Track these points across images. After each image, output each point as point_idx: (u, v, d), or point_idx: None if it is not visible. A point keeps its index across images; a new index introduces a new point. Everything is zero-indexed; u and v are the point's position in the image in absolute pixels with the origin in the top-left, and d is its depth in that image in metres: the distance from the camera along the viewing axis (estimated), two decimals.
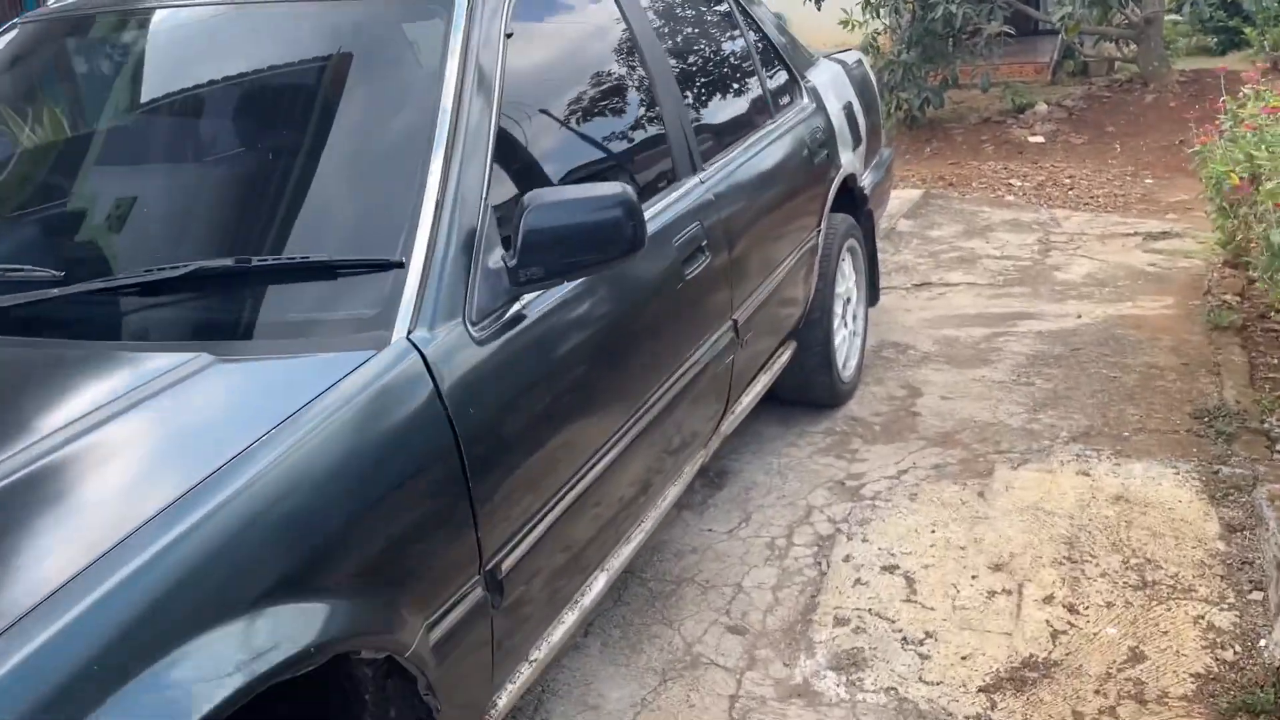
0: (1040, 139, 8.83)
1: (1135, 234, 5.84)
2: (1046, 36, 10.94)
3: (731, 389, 2.80)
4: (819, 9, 9.10)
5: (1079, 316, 4.51)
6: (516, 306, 1.81)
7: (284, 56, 2.04)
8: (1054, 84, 10.91)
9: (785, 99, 3.38)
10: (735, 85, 3.09)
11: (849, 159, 3.72)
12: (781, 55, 3.44)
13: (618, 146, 2.43)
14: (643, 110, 2.52)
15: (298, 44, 2.06)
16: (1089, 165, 7.95)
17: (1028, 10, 9.81)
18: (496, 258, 1.77)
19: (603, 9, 2.54)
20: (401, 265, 1.68)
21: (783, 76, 3.43)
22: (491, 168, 1.85)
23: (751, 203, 2.84)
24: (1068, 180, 7.49)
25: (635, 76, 2.53)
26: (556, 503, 1.86)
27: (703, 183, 2.60)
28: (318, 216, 1.80)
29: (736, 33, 3.20)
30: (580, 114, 2.33)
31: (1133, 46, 9.37)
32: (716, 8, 3.19)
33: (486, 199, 1.81)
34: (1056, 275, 5.17)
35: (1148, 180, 7.45)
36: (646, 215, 2.17)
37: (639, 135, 2.51)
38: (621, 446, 2.10)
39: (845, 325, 3.80)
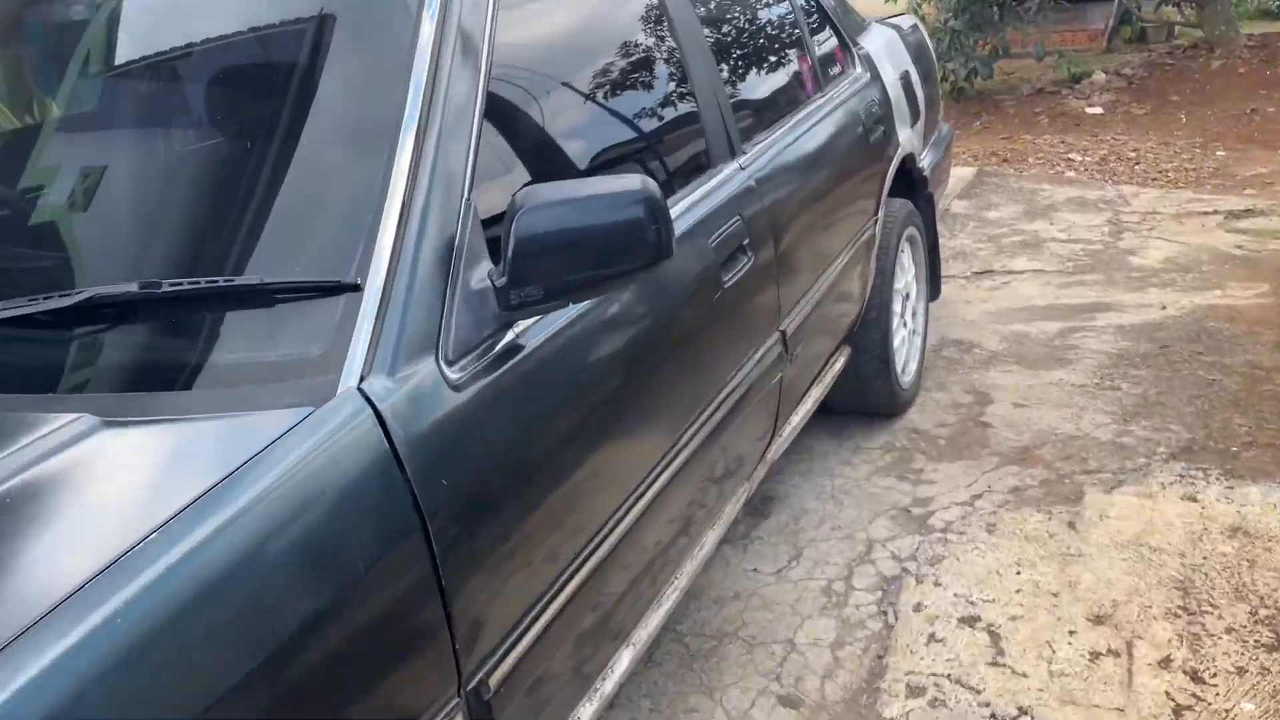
0: (1099, 110, 8.29)
1: (1214, 212, 5.32)
2: (1100, 2, 10.33)
3: (780, 411, 2.38)
4: None
5: (1163, 308, 4.03)
6: (509, 336, 1.40)
7: (213, 18, 1.62)
8: (1110, 52, 10.32)
9: (836, 69, 2.94)
10: (779, 54, 2.66)
11: (907, 136, 3.27)
12: (831, 18, 2.99)
13: (639, 128, 2.00)
14: (671, 85, 2.09)
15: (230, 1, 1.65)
16: (1153, 137, 7.40)
17: None
18: (482, 275, 1.36)
19: None
20: (356, 288, 1.27)
21: (832, 43, 2.99)
22: (476, 157, 1.44)
23: (801, 190, 2.41)
24: (1132, 154, 6.96)
25: (661, 44, 2.10)
26: (562, 587, 1.45)
27: (743, 168, 2.17)
28: (251, 224, 1.40)
29: (791, 13, 2.77)
30: (593, 88, 1.91)
31: (1194, 10, 8.78)
32: None
33: (469, 197, 1.40)
34: (1131, 260, 4.68)
35: (1219, 153, 6.89)
36: (675, 212, 1.77)
37: (667, 114, 2.08)
38: (647, 500, 1.69)
39: (904, 324, 3.36)
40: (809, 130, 2.55)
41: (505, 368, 1.37)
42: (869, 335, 3.05)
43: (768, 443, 2.37)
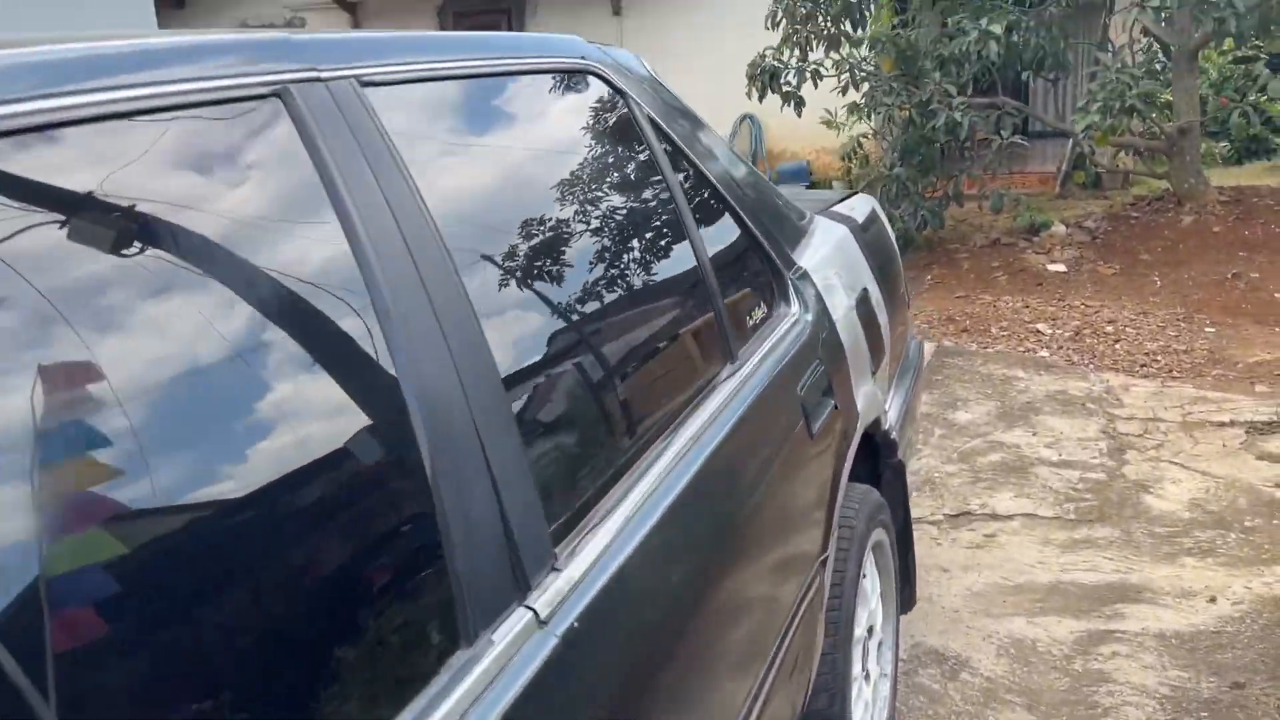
0: (1062, 267, 7.40)
1: (1231, 423, 4.31)
2: (1051, 140, 9.59)
3: None
4: (799, 115, 7.72)
5: (1212, 599, 2.93)
6: None
7: None
8: (1063, 197, 9.57)
9: (759, 312, 1.81)
10: (656, 327, 1.52)
11: (869, 393, 2.16)
12: (752, 228, 1.88)
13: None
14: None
15: None
16: (1129, 305, 6.49)
17: (1039, 115, 8.50)
18: None
19: None
20: None
21: (757, 272, 1.88)
22: None
23: (672, 615, 1.24)
24: (1109, 327, 6.01)
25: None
26: None
27: (558, 572, 1.01)
28: None
29: (668, 215, 1.64)
30: None
31: (1157, 160, 8.04)
32: (636, 159, 1.64)
33: None
34: (1148, 502, 3.61)
35: (1208, 328, 5.98)
36: None
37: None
38: None
39: (867, 678, 2.19)
40: (698, 463, 1.39)
41: None
42: None
43: None
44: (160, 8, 13.19)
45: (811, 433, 1.74)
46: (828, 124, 8.09)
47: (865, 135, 7.97)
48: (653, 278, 1.53)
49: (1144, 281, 7.00)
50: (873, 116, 7.44)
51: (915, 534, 3.32)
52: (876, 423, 2.24)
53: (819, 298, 2.00)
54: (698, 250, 1.62)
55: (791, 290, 1.92)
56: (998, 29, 6.72)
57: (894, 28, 7.69)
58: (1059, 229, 7.95)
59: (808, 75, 7.49)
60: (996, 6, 7.27)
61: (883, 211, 2.87)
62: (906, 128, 7.49)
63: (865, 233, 2.52)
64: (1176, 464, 3.93)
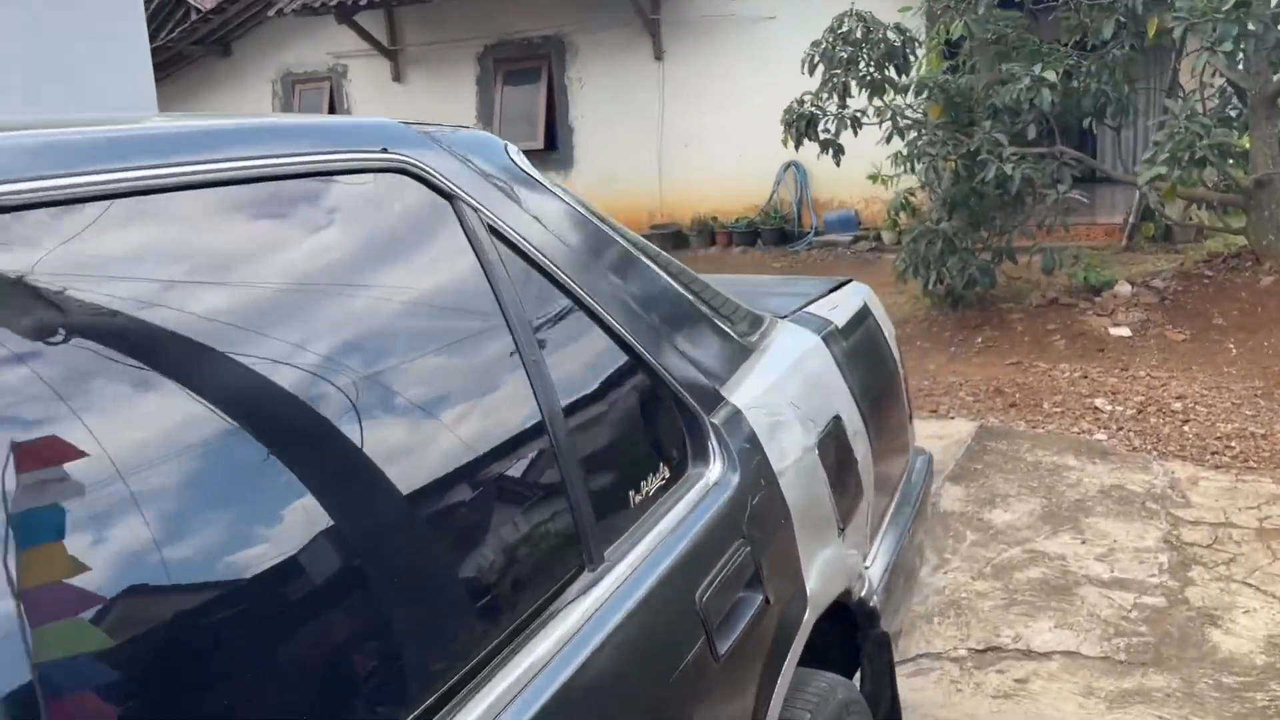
0: (1126, 331, 6.78)
1: None
2: (1120, 189, 8.94)
3: None
4: (838, 164, 7.25)
5: None
6: None
7: None
8: (1130, 250, 8.93)
9: (650, 483, 1.34)
10: (454, 532, 1.06)
11: (830, 562, 1.67)
12: (659, 375, 1.41)
13: None
14: None
15: None
16: (1200, 377, 5.87)
17: (1100, 166, 7.91)
18: None
19: None
20: None
21: (654, 424, 1.42)
22: None
23: None
24: (1176, 404, 5.40)
25: None
26: None
27: None
28: None
29: (501, 363, 1.19)
30: None
31: (1233, 214, 7.40)
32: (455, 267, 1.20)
33: None
34: (1214, 637, 3.03)
35: None
36: None
37: None
38: None
39: None
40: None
41: None
42: None
43: None
44: (206, 57, 13.27)
45: (717, 654, 1.27)
46: (873, 178, 7.58)
47: (912, 191, 7.44)
48: (458, 459, 1.08)
49: (1218, 349, 6.36)
50: (916, 167, 6.91)
51: (933, 674, 2.82)
52: (848, 593, 1.75)
53: (755, 446, 1.53)
54: (544, 408, 1.16)
55: (711, 442, 1.45)
56: (1052, 75, 6.19)
57: (944, 73, 7.20)
58: (1123, 288, 7.33)
59: (847, 122, 7.02)
60: (1054, 50, 6.75)
61: (877, 302, 2.38)
62: (955, 180, 6.98)
63: (847, 339, 2.04)
64: (1251, 586, 3.34)
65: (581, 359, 1.31)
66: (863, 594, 1.82)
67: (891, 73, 7.12)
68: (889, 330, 2.34)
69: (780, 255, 10.29)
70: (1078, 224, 8.55)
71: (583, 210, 1.45)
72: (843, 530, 1.75)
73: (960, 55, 7.34)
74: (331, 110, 12.62)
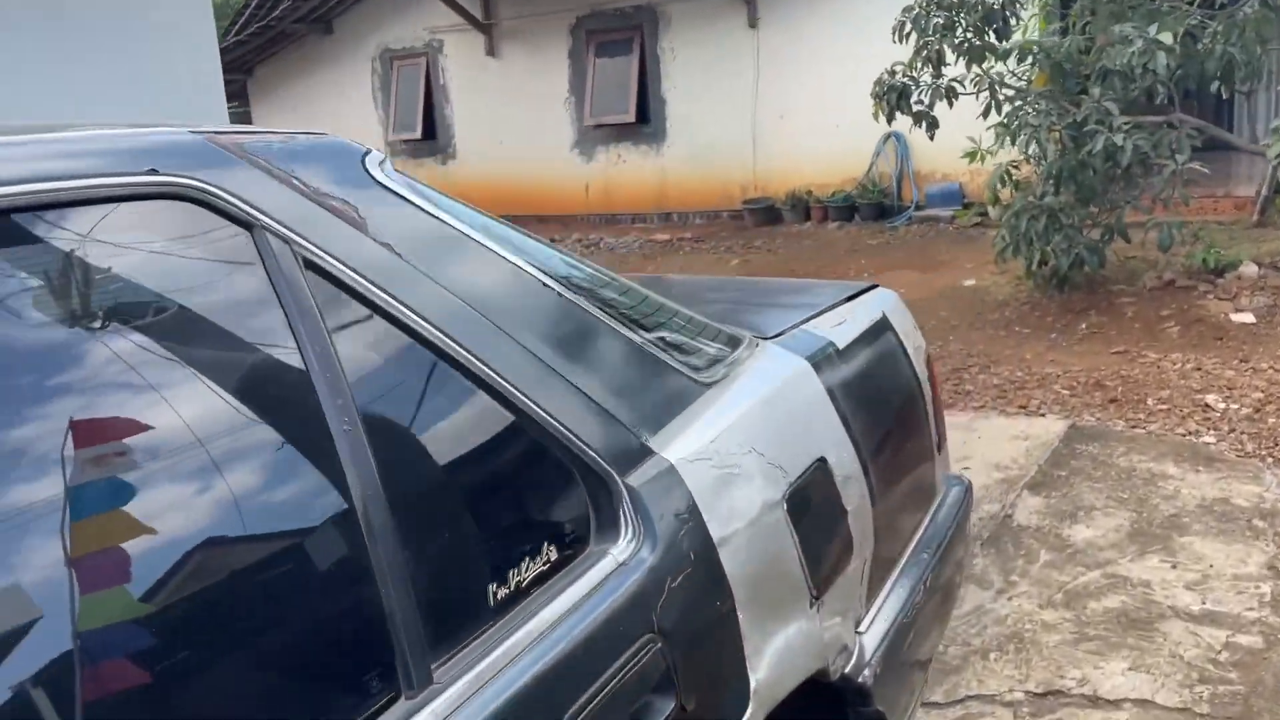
0: (1249, 318, 6.18)
1: None
2: (1248, 157, 8.22)
3: None
4: (931, 139, 6.80)
5: None
6: None
7: None
8: (1262, 225, 8.18)
9: (523, 570, 1.10)
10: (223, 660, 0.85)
11: (795, 639, 1.41)
12: (552, 429, 1.17)
13: None
14: None
15: None
16: None
17: (1223, 135, 7.23)
18: None
19: None
20: None
21: (535, 493, 1.18)
22: None
23: None
24: None
25: None
26: None
27: None
28: None
29: (306, 435, 0.96)
30: None
31: None
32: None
33: None
34: None
35: None
36: None
37: None
38: None
39: None
40: None
41: None
42: None
43: None
44: (309, 36, 13.39)
45: None
46: (971, 156, 7.08)
47: (1014, 165, 6.92)
48: (241, 561, 0.86)
49: None
50: (1019, 139, 6.41)
51: (983, 718, 2.52)
52: (824, 673, 1.48)
53: (688, 510, 1.27)
54: (357, 488, 0.93)
55: (624, 510, 1.20)
56: (1168, 37, 5.62)
57: (1050, 34, 6.65)
58: (1249, 269, 6.70)
59: (942, 93, 6.56)
60: (1174, 9, 6.14)
61: (905, 313, 2.06)
62: (1061, 152, 6.45)
63: (849, 361, 1.75)
64: None
65: (428, 418, 1.08)
66: (847, 670, 1.55)
67: (991, 38, 6.61)
68: (915, 345, 2.03)
69: (877, 231, 9.82)
70: (1203, 197, 7.89)
71: (461, 226, 1.21)
72: (818, 598, 1.47)
73: (1070, 16, 6.78)
74: (427, 87, 12.61)
